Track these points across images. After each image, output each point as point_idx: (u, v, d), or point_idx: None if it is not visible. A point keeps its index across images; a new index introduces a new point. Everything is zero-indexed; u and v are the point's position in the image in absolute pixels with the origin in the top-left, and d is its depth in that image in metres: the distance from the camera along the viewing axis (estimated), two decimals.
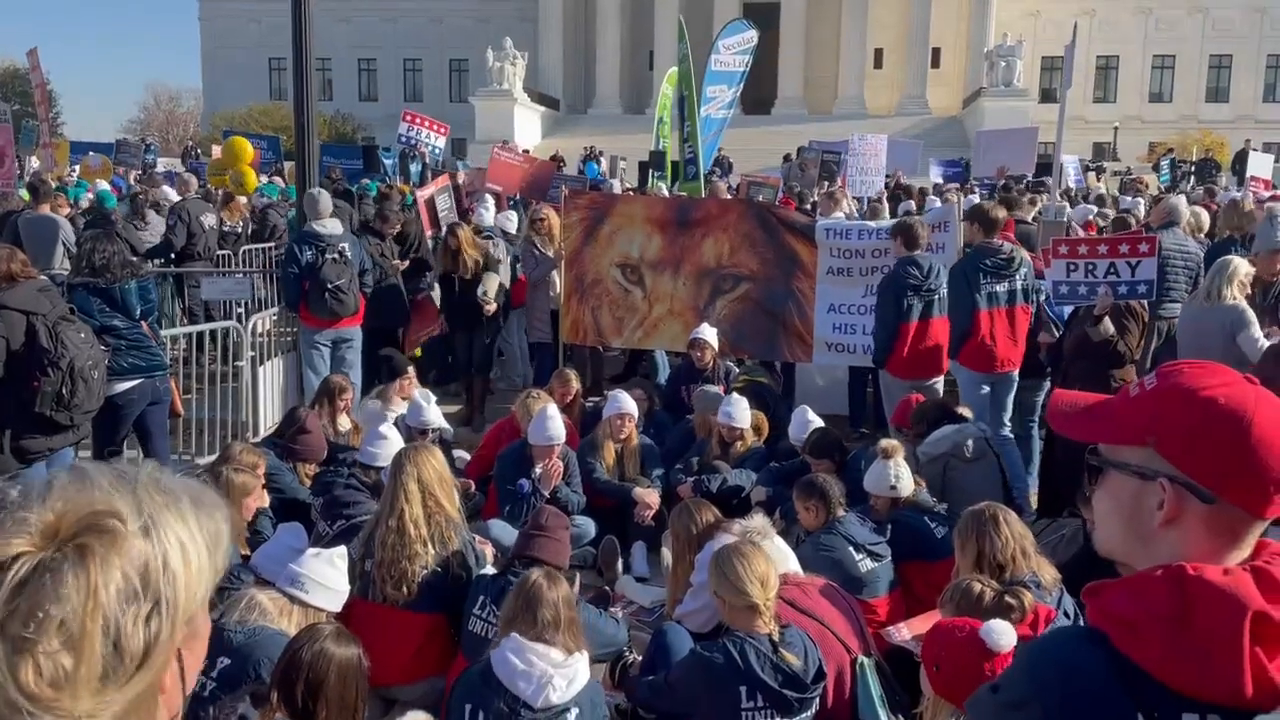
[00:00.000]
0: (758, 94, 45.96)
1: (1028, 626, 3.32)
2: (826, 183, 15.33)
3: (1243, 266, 6.10)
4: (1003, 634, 2.95)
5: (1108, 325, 6.41)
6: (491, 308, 8.46)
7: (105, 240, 6.05)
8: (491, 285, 8.49)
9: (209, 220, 10.90)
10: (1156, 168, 27.55)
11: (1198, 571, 1.33)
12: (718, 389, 7.14)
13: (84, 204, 13.88)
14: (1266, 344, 5.78)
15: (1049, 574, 3.93)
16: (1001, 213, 7.59)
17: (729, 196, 12.86)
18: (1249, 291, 6.24)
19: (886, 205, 12.93)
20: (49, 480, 0.95)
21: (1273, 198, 12.12)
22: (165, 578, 0.94)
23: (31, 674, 0.87)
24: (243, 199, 14.04)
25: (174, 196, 13.38)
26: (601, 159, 28.29)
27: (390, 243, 9.10)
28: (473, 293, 8.42)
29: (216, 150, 20.16)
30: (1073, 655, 1.41)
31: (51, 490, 0.94)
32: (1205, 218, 9.60)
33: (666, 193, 13.65)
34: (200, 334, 8.39)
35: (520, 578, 3.41)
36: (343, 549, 3.72)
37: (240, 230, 12.81)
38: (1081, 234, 9.16)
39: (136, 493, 0.96)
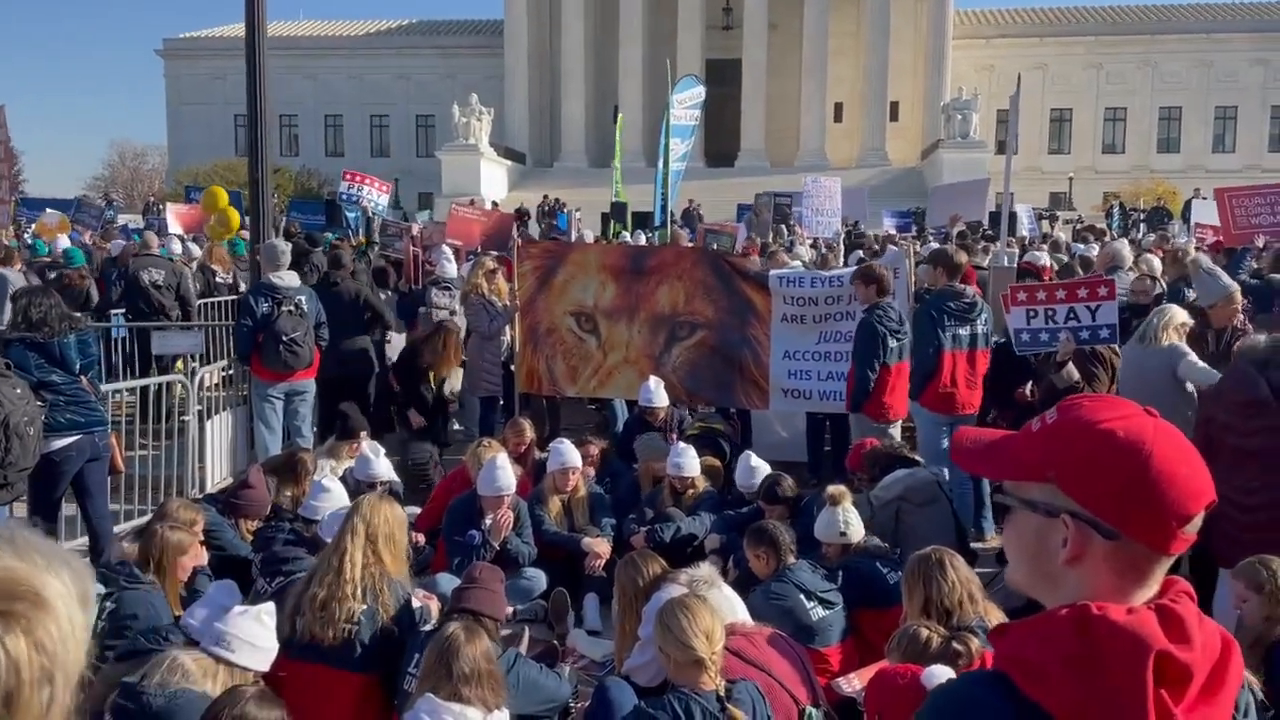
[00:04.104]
0: (721, 147, 46.69)
1: None
2: (784, 227, 15.50)
3: (1179, 314, 6.20)
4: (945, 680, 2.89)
5: (1071, 371, 6.42)
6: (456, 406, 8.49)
7: (42, 294, 5.94)
8: (459, 382, 8.59)
9: (152, 276, 10.75)
10: (1109, 215, 28.19)
11: (1102, 611, 1.29)
12: (661, 436, 7.10)
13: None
14: (1203, 365, 5.88)
15: (996, 619, 3.89)
16: (964, 257, 7.69)
17: (688, 244, 12.97)
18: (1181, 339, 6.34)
19: (843, 252, 13.07)
20: None
21: (1215, 244, 12.36)
22: (63, 645, 0.94)
23: None
24: (224, 249, 13.84)
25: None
26: (566, 209, 28.49)
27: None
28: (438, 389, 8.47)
29: (173, 206, 19.98)
30: (976, 699, 1.36)
31: None
32: (1156, 263, 9.76)
33: (629, 239, 13.75)
34: (145, 388, 8.20)
35: (439, 630, 3.31)
36: (270, 605, 3.60)
37: (231, 280, 12.74)
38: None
39: (21, 554, 0.95)
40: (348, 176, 17.07)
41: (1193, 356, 5.99)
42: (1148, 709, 1.23)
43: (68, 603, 0.95)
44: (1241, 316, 7.00)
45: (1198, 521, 1.35)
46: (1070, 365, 6.43)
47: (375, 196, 16.57)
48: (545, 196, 31.84)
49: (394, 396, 8.56)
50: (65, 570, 0.98)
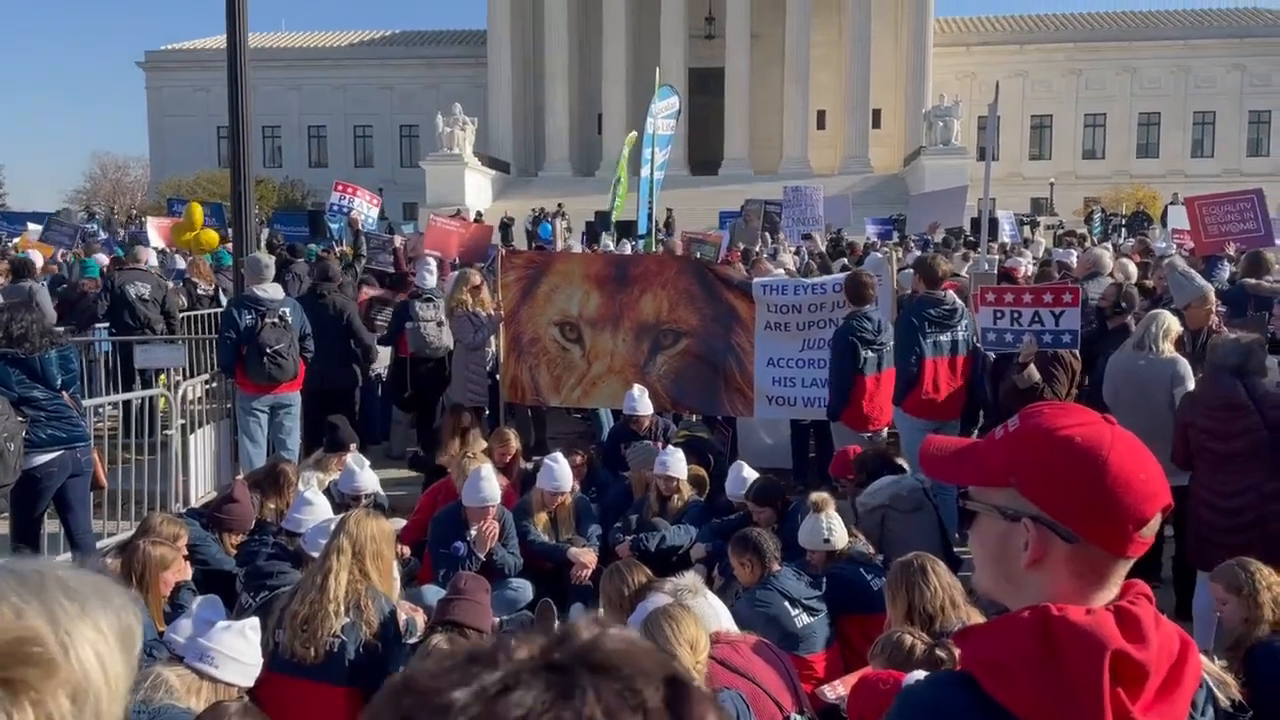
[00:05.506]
0: (704, 155, 46.82)
1: None
2: (770, 235, 15.56)
3: (1176, 323, 6.24)
4: None
5: (1032, 372, 6.55)
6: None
7: (23, 309, 5.92)
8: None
9: (138, 290, 10.73)
10: (1089, 220, 28.43)
11: (1061, 612, 1.33)
12: (652, 444, 7.12)
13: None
14: None
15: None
16: (945, 265, 7.77)
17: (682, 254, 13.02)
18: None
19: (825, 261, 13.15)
20: None
21: (1193, 249, 12.47)
22: (89, 700, 0.87)
23: None
24: (206, 260, 13.85)
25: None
26: (555, 219, 28.56)
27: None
28: None
29: (153, 220, 19.89)
30: (941, 699, 1.40)
31: None
32: (1132, 269, 9.85)
33: (613, 248, 13.78)
34: (128, 402, 8.17)
35: (423, 643, 3.32)
36: (254, 620, 3.60)
37: (212, 293, 12.71)
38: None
39: (46, 602, 0.88)
40: (339, 188, 17.00)
41: (1190, 385, 5.95)
42: (1104, 706, 1.27)
43: (102, 648, 0.89)
44: (1215, 318, 7.09)
45: (1154, 525, 1.39)
46: (1031, 367, 6.56)
47: (366, 209, 16.54)
48: (559, 205, 32.02)
49: (420, 462, 8.79)
50: (102, 610, 0.91)
